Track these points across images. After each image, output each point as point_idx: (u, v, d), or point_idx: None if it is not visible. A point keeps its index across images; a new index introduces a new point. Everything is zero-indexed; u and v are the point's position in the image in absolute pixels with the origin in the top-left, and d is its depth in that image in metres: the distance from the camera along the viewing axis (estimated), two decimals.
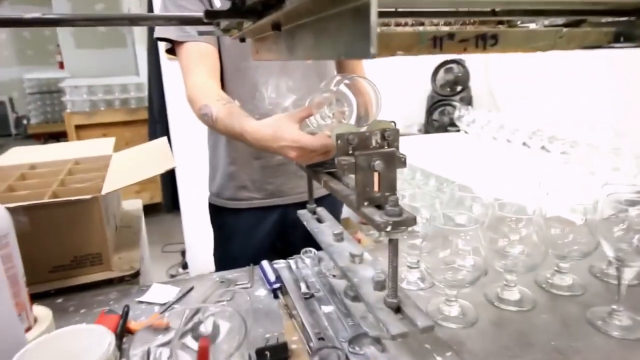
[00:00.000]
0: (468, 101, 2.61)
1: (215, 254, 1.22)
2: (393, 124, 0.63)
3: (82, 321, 0.70)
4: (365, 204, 0.59)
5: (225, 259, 1.18)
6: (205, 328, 0.49)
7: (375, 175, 0.59)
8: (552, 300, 0.77)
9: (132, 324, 0.66)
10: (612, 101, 2.05)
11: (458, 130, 2.25)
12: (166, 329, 0.52)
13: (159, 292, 0.77)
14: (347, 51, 0.33)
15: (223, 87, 1.06)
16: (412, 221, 0.54)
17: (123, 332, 0.64)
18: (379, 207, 0.59)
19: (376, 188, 0.59)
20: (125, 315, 0.67)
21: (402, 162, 0.60)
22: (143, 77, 3.54)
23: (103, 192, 0.90)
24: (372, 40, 0.29)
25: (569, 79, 2.26)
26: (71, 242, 0.90)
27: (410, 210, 0.55)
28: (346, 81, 0.70)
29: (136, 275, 0.92)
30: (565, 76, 2.28)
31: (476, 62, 2.63)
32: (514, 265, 0.73)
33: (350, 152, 0.59)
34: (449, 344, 0.65)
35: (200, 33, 0.80)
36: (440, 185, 1.56)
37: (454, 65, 2.62)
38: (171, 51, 1.06)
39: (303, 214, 0.90)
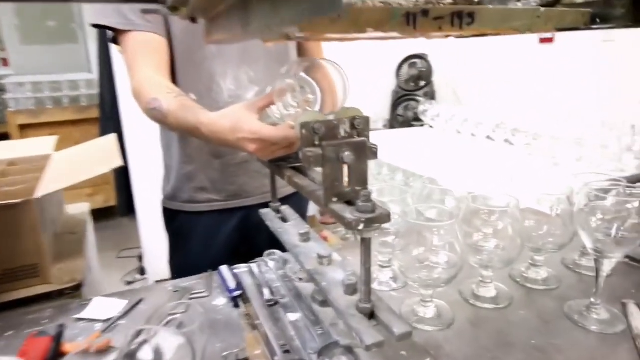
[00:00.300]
0: (431, 96, 2.61)
1: (171, 262, 1.12)
2: None
3: (8, 346, 0.60)
4: (334, 199, 0.53)
5: (182, 267, 1.08)
6: (148, 351, 0.41)
7: (344, 168, 0.53)
8: (528, 295, 0.74)
9: (67, 347, 0.57)
10: (573, 92, 2.09)
11: (422, 125, 2.24)
12: (103, 351, 0.44)
13: (102, 306, 0.67)
14: (313, 8, 0.27)
15: (175, 81, 0.97)
16: (387, 217, 0.49)
17: (55, 357, 0.55)
18: (349, 202, 0.53)
19: (345, 182, 0.53)
20: (57, 337, 0.58)
21: (374, 153, 0.54)
22: (95, 74, 3.35)
23: (37, 195, 0.80)
24: None
25: (527, 72, 2.29)
26: (1, 252, 0.79)
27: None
28: (309, 65, 0.64)
29: (78, 287, 0.82)
30: (524, 69, 2.31)
31: (439, 57, 2.64)
32: (489, 261, 0.69)
33: (317, 142, 0.53)
34: (426, 348, 0.60)
35: (144, 11, 0.71)
36: (407, 179, 1.53)
37: (417, 60, 2.61)
38: (116, 40, 0.95)
39: (266, 213, 0.83)
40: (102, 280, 1.49)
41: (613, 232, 0.63)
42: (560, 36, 2.16)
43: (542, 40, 2.28)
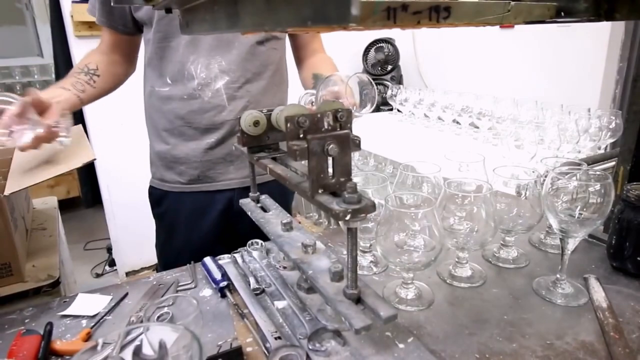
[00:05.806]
0: (398, 80, 2.65)
1: (157, 246, 1.13)
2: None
3: None
4: (320, 191, 0.55)
5: (168, 251, 1.10)
6: (147, 346, 0.42)
7: (329, 160, 0.55)
8: (500, 273, 0.78)
9: (57, 345, 0.57)
10: (531, 75, 2.18)
11: (391, 109, 2.27)
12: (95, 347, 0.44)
13: (86, 302, 0.67)
14: (316, 15, 0.27)
15: (153, 65, 1.03)
16: (372, 208, 0.51)
17: (46, 356, 0.55)
18: (334, 194, 0.55)
19: (330, 174, 0.55)
20: (48, 335, 0.57)
21: (357, 145, 0.56)
22: (48, 59, 3.18)
23: (6, 193, 0.77)
24: None
25: (489, 56, 2.36)
26: None
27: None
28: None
29: (56, 284, 0.80)
30: (485, 53, 2.38)
31: (405, 41, 2.67)
32: (465, 243, 0.73)
33: (301, 136, 0.54)
34: (409, 328, 0.63)
35: (117, 2, 0.69)
36: (379, 164, 1.56)
37: (384, 45, 2.63)
38: None
39: (246, 204, 0.84)
40: (74, 273, 1.46)
41: (576, 213, 0.68)
42: None
43: (502, 26, 2.35)
